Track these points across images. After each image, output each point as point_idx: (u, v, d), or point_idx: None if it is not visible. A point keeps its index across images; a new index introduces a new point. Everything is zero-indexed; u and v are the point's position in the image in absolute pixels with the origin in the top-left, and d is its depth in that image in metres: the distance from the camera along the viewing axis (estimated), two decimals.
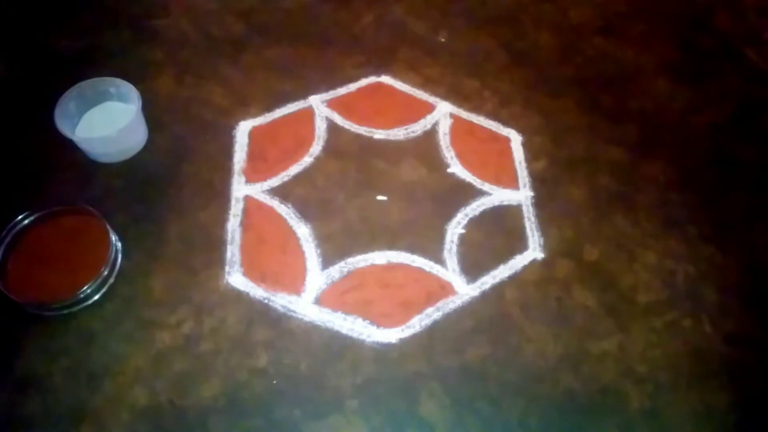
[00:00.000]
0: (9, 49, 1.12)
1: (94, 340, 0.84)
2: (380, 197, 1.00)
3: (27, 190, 0.96)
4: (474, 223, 0.98)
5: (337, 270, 0.92)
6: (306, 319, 0.88)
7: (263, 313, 0.88)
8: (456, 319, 0.89)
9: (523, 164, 1.06)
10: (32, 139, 1.00)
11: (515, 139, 1.09)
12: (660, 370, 0.87)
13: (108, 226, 0.89)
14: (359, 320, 0.88)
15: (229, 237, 0.94)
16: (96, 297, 0.86)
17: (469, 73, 1.16)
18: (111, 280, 0.87)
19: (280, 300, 0.89)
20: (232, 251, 0.92)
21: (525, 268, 0.94)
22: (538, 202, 1.01)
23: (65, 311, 0.85)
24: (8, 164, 0.99)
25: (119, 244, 0.90)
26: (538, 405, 0.83)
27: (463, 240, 0.96)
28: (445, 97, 1.13)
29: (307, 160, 1.03)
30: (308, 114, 1.09)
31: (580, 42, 1.24)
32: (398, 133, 1.08)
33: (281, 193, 0.99)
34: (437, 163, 1.05)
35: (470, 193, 1.02)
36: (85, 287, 0.84)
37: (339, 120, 1.08)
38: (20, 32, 1.14)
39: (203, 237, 0.93)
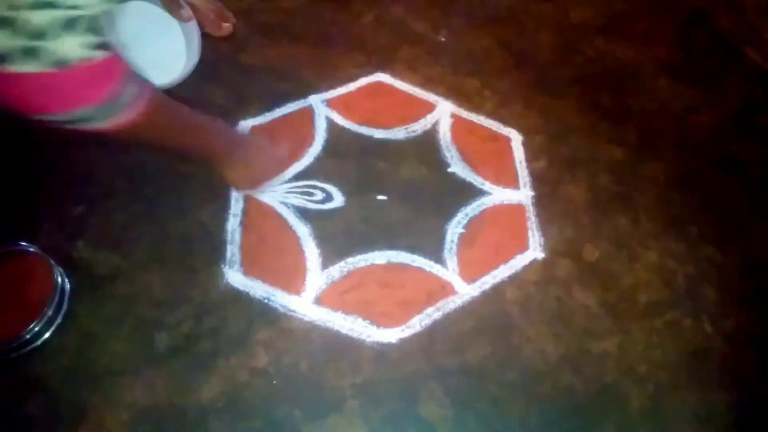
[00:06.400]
0: None
1: (94, 340, 0.84)
2: (380, 197, 1.00)
3: (28, 191, 0.96)
4: (474, 222, 0.98)
5: (337, 270, 0.92)
6: (306, 319, 0.88)
7: (263, 312, 0.87)
8: (456, 319, 0.89)
9: (524, 164, 1.06)
10: (32, 140, 1.00)
11: (516, 139, 1.09)
12: (660, 370, 0.87)
13: (53, 264, 0.85)
14: (359, 320, 0.88)
15: (229, 237, 0.94)
16: (45, 336, 0.82)
17: (470, 72, 1.16)
18: (58, 320, 0.84)
19: (280, 300, 0.89)
20: (232, 251, 0.92)
21: (525, 267, 0.94)
22: (539, 202, 1.01)
23: (13, 354, 0.81)
24: (9, 165, 0.99)
25: (67, 285, 0.86)
26: (538, 405, 0.83)
27: (463, 240, 0.96)
28: (446, 96, 1.13)
29: (307, 160, 1.03)
30: (308, 113, 1.09)
31: (580, 42, 1.24)
32: (398, 133, 1.08)
33: (281, 192, 0.99)
34: (437, 163, 1.04)
35: (470, 192, 1.02)
36: (30, 327, 0.80)
37: (339, 119, 1.08)
38: None
39: (203, 237, 0.93)
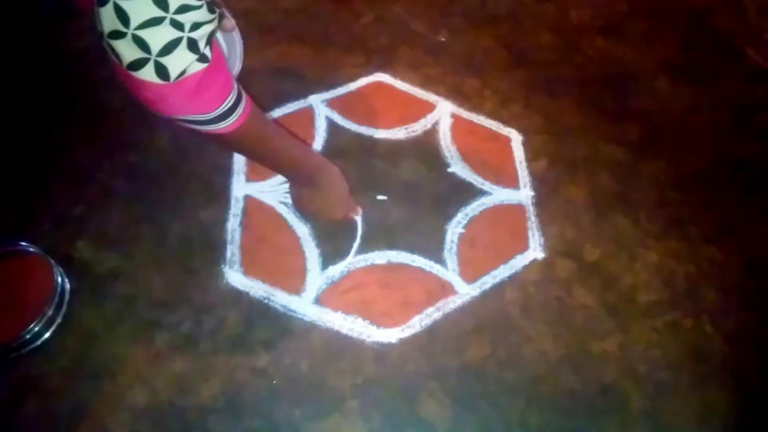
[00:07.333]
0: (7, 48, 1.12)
1: (94, 340, 0.84)
2: (380, 197, 1.00)
3: (28, 191, 0.96)
4: (474, 222, 0.98)
5: (337, 270, 0.92)
6: (306, 318, 0.88)
7: (263, 313, 0.87)
8: (456, 319, 0.89)
9: (524, 164, 1.06)
10: (32, 140, 1.00)
11: (516, 139, 1.09)
12: (660, 370, 0.87)
13: (53, 264, 0.85)
14: (359, 320, 0.88)
15: (229, 237, 0.94)
16: (45, 336, 0.83)
17: (470, 72, 1.16)
18: (58, 320, 0.84)
19: (280, 300, 0.89)
20: (232, 251, 0.92)
21: (525, 267, 0.94)
22: (539, 202, 1.01)
23: (13, 354, 0.81)
24: (9, 165, 0.99)
25: (68, 285, 0.86)
26: (538, 405, 0.83)
27: (463, 240, 0.96)
28: (446, 96, 1.13)
29: None
30: (308, 114, 1.09)
31: (580, 42, 1.24)
32: (398, 133, 1.08)
33: (281, 192, 0.99)
34: (437, 163, 1.04)
35: (470, 192, 1.02)
36: (30, 327, 0.81)
37: (339, 119, 1.08)
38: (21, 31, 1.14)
39: (203, 237, 0.93)
